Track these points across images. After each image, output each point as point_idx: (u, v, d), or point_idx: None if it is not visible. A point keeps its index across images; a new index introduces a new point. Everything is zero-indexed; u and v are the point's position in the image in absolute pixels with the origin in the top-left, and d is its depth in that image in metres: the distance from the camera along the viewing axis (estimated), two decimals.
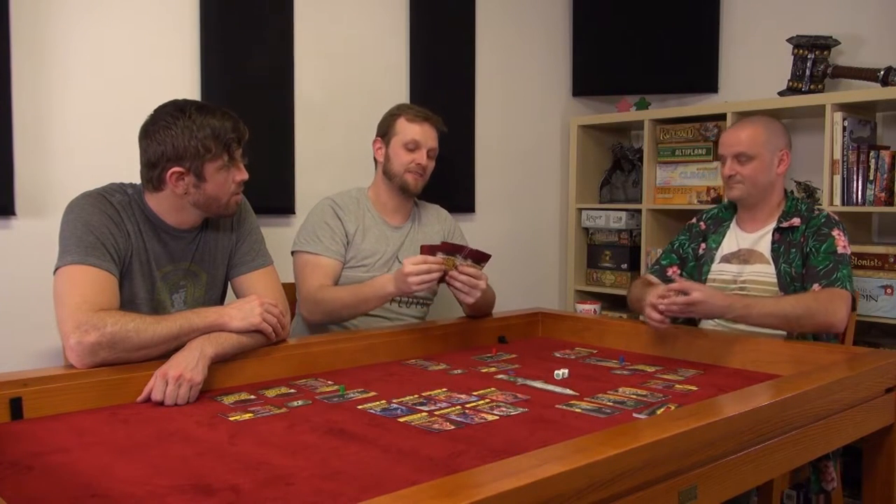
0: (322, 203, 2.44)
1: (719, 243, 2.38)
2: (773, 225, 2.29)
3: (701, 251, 2.42)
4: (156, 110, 1.82)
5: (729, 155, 2.30)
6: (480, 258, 2.16)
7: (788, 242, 2.24)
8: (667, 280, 2.41)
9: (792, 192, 2.37)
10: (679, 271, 2.44)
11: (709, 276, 2.36)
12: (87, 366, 1.61)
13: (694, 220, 2.52)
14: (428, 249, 2.10)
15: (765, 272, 2.26)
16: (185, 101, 1.83)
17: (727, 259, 2.35)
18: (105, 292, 1.69)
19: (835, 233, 2.20)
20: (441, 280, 2.12)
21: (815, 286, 2.12)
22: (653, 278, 2.44)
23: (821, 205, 2.89)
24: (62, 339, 1.64)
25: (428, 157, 2.42)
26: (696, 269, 2.40)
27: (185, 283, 1.93)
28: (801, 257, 2.21)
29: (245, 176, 1.88)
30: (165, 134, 1.77)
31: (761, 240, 2.30)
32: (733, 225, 2.40)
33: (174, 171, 1.78)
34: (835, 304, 2.05)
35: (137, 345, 1.64)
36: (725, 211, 2.45)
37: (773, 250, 2.26)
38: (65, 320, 1.62)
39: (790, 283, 2.20)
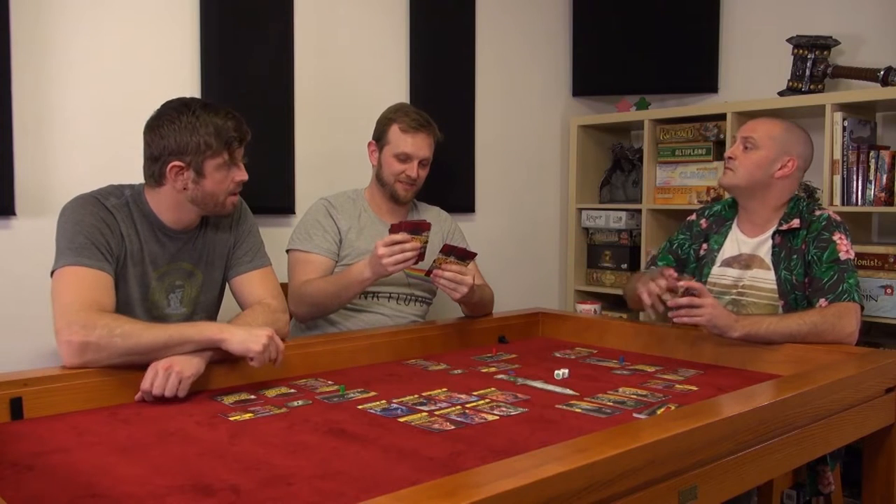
0: (317, 203, 2.45)
1: (721, 245, 2.33)
2: (773, 229, 2.23)
3: (703, 252, 2.37)
4: (162, 106, 1.84)
5: (739, 137, 2.27)
6: (466, 256, 2.17)
7: (789, 248, 2.19)
8: None
9: (799, 194, 2.31)
10: (675, 274, 2.41)
11: (709, 279, 2.31)
12: (75, 365, 1.61)
13: (694, 217, 2.46)
14: (394, 228, 2.10)
15: (765, 278, 2.21)
16: (192, 99, 1.86)
17: (728, 263, 2.30)
18: (98, 290, 1.70)
19: (836, 237, 2.13)
20: (427, 273, 2.15)
21: (822, 301, 2.06)
22: None
23: (821, 203, 2.89)
24: (55, 337, 1.64)
25: (420, 166, 2.41)
26: (698, 270, 2.36)
27: (182, 283, 1.93)
28: (802, 265, 2.15)
29: (244, 176, 1.88)
30: (169, 128, 1.78)
31: (762, 245, 2.25)
32: (734, 227, 2.34)
33: (174, 164, 1.79)
34: (843, 319, 2.00)
35: (123, 350, 1.61)
36: (729, 209, 2.39)
37: (773, 255, 2.21)
38: (57, 319, 1.63)
39: (790, 290, 2.16)
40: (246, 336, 1.68)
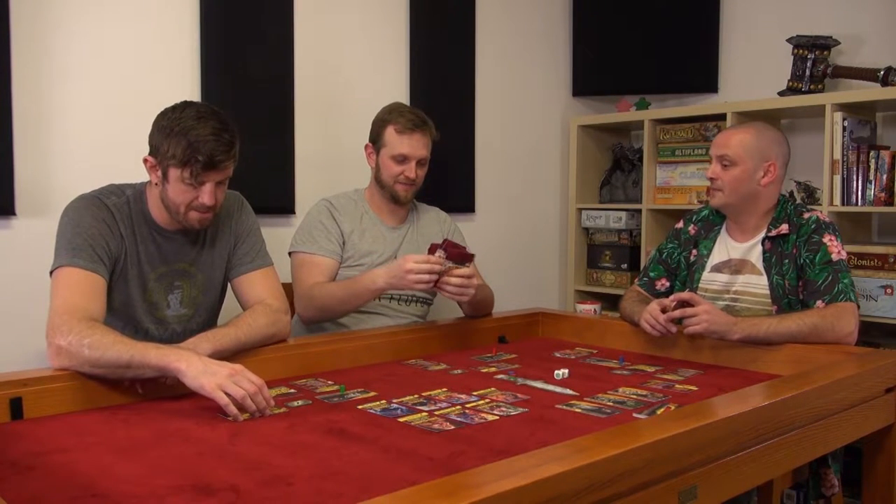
0: (318, 204, 2.44)
1: (710, 250, 2.32)
2: (763, 234, 2.23)
3: (693, 258, 2.36)
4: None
5: (714, 156, 2.24)
6: (464, 259, 2.16)
7: (780, 253, 2.18)
8: (656, 293, 2.39)
9: (785, 195, 2.31)
10: (668, 284, 2.40)
11: (699, 285, 2.30)
12: (57, 368, 1.61)
13: (681, 225, 2.44)
14: (434, 248, 2.10)
15: (757, 283, 2.21)
16: (197, 104, 1.81)
17: (718, 268, 2.29)
18: (88, 294, 1.70)
19: (826, 239, 2.13)
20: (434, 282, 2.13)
21: (819, 303, 2.07)
22: (642, 291, 2.41)
23: (820, 204, 2.90)
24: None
25: (418, 166, 2.41)
26: (689, 276, 2.35)
27: (181, 284, 1.93)
28: (794, 269, 2.15)
29: (206, 201, 1.78)
30: (157, 124, 1.80)
31: (752, 250, 2.24)
32: (723, 232, 2.33)
33: (147, 159, 1.81)
34: (842, 319, 2.00)
35: (89, 360, 1.57)
36: (716, 215, 2.37)
37: (764, 260, 2.20)
38: (47, 321, 1.65)
39: (783, 295, 2.16)
40: (201, 370, 1.52)
